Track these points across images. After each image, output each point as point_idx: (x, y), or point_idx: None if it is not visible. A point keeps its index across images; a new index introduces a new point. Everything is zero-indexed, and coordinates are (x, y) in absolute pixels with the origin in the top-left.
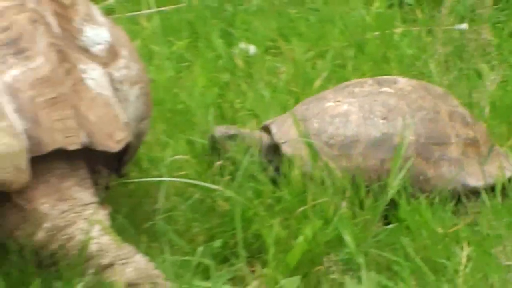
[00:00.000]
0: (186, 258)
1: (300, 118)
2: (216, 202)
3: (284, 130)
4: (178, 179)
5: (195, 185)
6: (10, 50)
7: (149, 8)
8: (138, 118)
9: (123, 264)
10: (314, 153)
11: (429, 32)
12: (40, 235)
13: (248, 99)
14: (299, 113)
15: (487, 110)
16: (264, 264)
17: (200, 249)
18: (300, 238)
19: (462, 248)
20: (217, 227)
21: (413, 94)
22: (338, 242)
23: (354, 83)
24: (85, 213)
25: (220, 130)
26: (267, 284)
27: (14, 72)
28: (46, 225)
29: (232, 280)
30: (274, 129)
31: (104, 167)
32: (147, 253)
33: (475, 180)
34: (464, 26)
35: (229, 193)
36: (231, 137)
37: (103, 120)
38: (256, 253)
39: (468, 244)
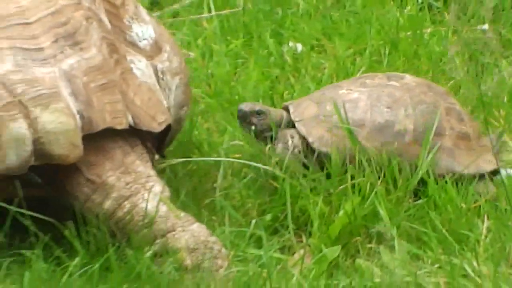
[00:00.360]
0: (241, 229)
1: (315, 101)
2: (267, 181)
3: (300, 111)
4: (234, 160)
5: (249, 166)
6: (68, 42)
7: (209, 12)
8: (178, 105)
9: (181, 231)
10: (353, 138)
11: (455, 32)
12: (108, 204)
13: (296, 91)
14: (316, 96)
15: (505, 99)
16: (310, 235)
17: (254, 222)
18: (341, 213)
19: (482, 221)
20: (268, 202)
21: (416, 89)
22: (374, 216)
23: (367, 76)
24: (147, 184)
25: (247, 105)
26: (312, 252)
27: (71, 61)
28: (113, 195)
29: (281, 249)
30: (291, 108)
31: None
32: (207, 225)
33: (461, 168)
34: (486, 26)
35: (279, 173)
36: (257, 112)
37: (147, 104)
38: (302, 225)
39: (488, 217)
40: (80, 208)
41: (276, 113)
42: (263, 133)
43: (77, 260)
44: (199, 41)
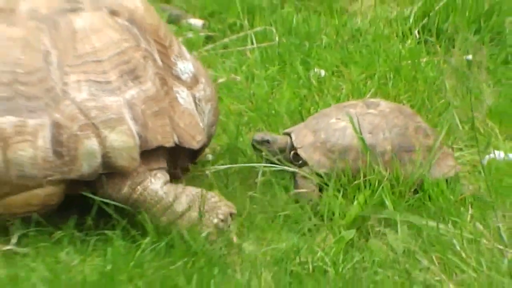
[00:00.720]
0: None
1: (311, 130)
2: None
3: (300, 138)
4: (271, 165)
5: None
6: (130, 76)
7: (252, 45)
8: (210, 124)
9: (181, 195)
10: (366, 147)
11: (445, 61)
12: (125, 189)
13: (320, 107)
14: (311, 125)
15: (485, 114)
16: (331, 221)
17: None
18: (355, 203)
19: (467, 210)
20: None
21: (390, 114)
22: (381, 205)
23: (349, 105)
24: (153, 172)
25: (259, 136)
26: (333, 234)
27: (132, 92)
28: (128, 182)
29: (309, 231)
30: (293, 136)
31: (185, 156)
32: (249, 212)
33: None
34: (470, 57)
35: (306, 174)
36: (266, 141)
37: (189, 127)
38: (324, 213)
39: (471, 206)
40: (103, 194)
41: (282, 140)
42: (273, 156)
43: (147, 239)
44: (244, 67)
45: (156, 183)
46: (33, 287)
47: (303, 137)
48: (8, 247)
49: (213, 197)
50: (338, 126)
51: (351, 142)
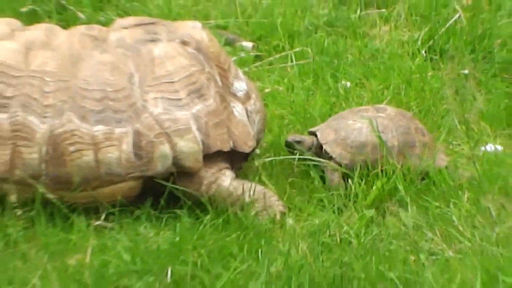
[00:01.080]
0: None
1: (333, 128)
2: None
3: (324, 136)
4: (307, 157)
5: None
6: (196, 95)
7: (291, 62)
8: (258, 132)
9: (247, 192)
10: (382, 142)
11: (447, 75)
12: (203, 187)
13: None
14: (333, 125)
15: (478, 117)
16: (355, 202)
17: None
18: (374, 188)
19: (464, 193)
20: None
21: (395, 117)
22: (395, 190)
23: (363, 109)
24: (222, 171)
25: (291, 137)
26: (357, 213)
27: (197, 107)
28: (205, 181)
29: (338, 209)
30: (319, 135)
31: (239, 158)
32: (289, 195)
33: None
34: (466, 71)
35: (334, 166)
36: (297, 141)
37: (242, 135)
38: (349, 197)
39: (467, 190)
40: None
41: (309, 140)
42: (303, 153)
43: (208, 216)
44: (285, 80)
45: (226, 181)
46: (118, 254)
47: (326, 135)
48: (98, 223)
49: (273, 196)
50: (355, 126)
51: (366, 139)
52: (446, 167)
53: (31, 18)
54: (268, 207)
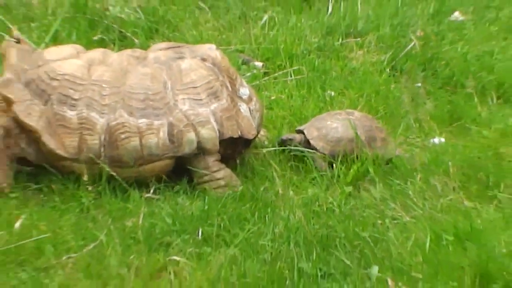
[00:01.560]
0: (304, 177)
1: (316, 127)
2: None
3: (310, 133)
4: (300, 148)
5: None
6: (212, 96)
7: (291, 77)
8: (258, 125)
9: (221, 170)
10: (357, 136)
11: (405, 87)
12: (210, 164)
13: None
14: (315, 125)
15: (428, 118)
16: (337, 181)
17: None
18: (351, 170)
19: (417, 174)
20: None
21: (362, 119)
22: (367, 171)
23: (337, 113)
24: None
25: (284, 136)
26: (339, 188)
27: (214, 105)
28: (210, 164)
29: (320, 187)
30: (306, 132)
31: (242, 145)
32: (291, 174)
33: (385, 154)
34: (419, 84)
35: (320, 155)
36: (290, 139)
37: (247, 125)
38: (335, 177)
39: (420, 172)
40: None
41: (298, 137)
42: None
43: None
44: (286, 90)
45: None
46: (162, 218)
47: (311, 132)
48: (148, 195)
49: (237, 180)
50: (333, 126)
51: (341, 135)
52: (399, 155)
53: (100, 44)
54: (230, 180)
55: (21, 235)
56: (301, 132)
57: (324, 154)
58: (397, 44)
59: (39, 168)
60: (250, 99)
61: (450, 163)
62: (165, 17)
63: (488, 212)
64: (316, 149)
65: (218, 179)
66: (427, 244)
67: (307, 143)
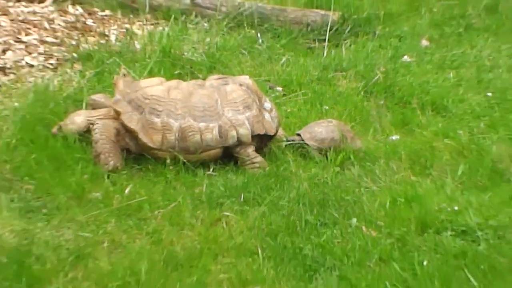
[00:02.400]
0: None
1: (308, 132)
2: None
3: (305, 135)
4: (301, 142)
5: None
6: (247, 108)
7: (300, 97)
8: (276, 127)
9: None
10: (343, 135)
11: (374, 103)
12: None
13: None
14: (308, 130)
15: (389, 124)
16: (329, 164)
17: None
18: (339, 157)
19: (381, 159)
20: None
21: (338, 125)
22: (349, 159)
23: (321, 122)
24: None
25: (290, 137)
26: (332, 169)
27: (247, 114)
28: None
29: (319, 167)
30: (302, 135)
31: (266, 140)
32: (298, 160)
33: (355, 146)
34: (382, 102)
35: (316, 149)
36: (292, 140)
37: (269, 126)
38: (326, 161)
39: (383, 158)
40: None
41: (298, 137)
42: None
43: (260, 171)
44: (297, 106)
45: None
46: (218, 187)
47: (305, 135)
48: (209, 172)
49: (265, 163)
50: (318, 130)
51: (325, 136)
52: (361, 147)
53: (177, 77)
54: (261, 163)
55: (129, 197)
56: (299, 135)
57: (314, 148)
58: (368, 76)
59: (139, 155)
60: (271, 110)
61: (402, 152)
62: (220, 59)
63: (426, 183)
64: (308, 145)
65: (254, 162)
66: (387, 204)
67: (304, 142)
